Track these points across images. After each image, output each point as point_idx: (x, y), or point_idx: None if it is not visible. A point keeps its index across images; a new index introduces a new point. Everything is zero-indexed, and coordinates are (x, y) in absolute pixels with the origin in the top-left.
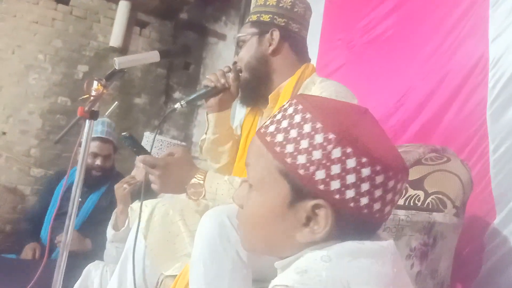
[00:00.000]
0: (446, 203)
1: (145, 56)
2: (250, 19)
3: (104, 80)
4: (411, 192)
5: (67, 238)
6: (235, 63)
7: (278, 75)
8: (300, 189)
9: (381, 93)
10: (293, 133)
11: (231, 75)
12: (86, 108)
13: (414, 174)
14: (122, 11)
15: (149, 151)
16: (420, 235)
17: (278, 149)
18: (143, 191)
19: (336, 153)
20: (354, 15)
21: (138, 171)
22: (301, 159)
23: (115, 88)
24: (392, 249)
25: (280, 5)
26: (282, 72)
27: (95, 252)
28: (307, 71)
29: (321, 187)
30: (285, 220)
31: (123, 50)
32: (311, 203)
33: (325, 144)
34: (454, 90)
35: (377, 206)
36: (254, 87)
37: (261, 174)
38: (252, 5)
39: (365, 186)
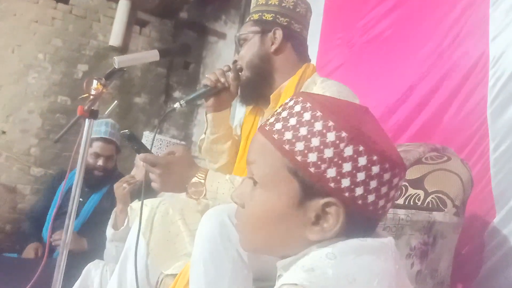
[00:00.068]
0: (446, 202)
1: (144, 55)
2: (252, 18)
3: (103, 79)
4: (411, 191)
5: (67, 237)
6: (235, 61)
7: (279, 74)
8: (310, 187)
9: (381, 92)
10: (303, 131)
11: (231, 74)
12: (86, 107)
13: (414, 173)
14: (122, 10)
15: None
16: (420, 234)
17: (287, 147)
18: (143, 190)
19: (348, 151)
20: (354, 15)
21: (138, 170)
22: (312, 157)
23: (115, 87)
24: (392, 245)
25: (283, 4)
26: (284, 71)
27: (96, 251)
28: (308, 71)
29: (332, 185)
30: (293, 219)
31: (123, 49)
32: (322, 201)
33: (337, 142)
34: (454, 89)
35: (381, 203)
36: (256, 85)
37: (268, 172)
38: (253, 4)
39: (373, 184)
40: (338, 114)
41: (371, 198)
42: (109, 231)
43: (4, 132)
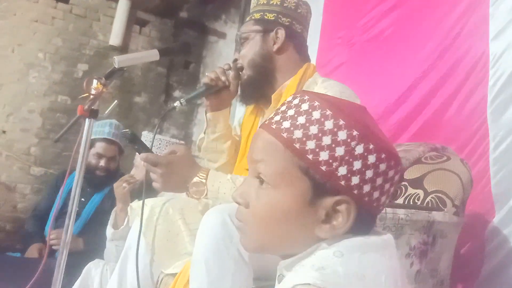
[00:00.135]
0: (446, 202)
1: (144, 54)
2: (253, 17)
3: (103, 79)
4: (410, 191)
5: (67, 237)
6: (235, 60)
7: (281, 74)
8: (321, 186)
9: (382, 91)
10: (313, 129)
11: (231, 73)
12: (86, 107)
13: (414, 172)
14: (122, 9)
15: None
16: (420, 234)
17: (297, 145)
18: (144, 190)
19: (359, 149)
20: (354, 14)
21: (137, 170)
22: (324, 155)
23: (115, 86)
24: (393, 243)
25: (285, 5)
26: (285, 71)
27: (98, 251)
28: (309, 71)
29: (343, 183)
30: (302, 217)
31: (123, 48)
32: (334, 199)
33: (349, 140)
34: (454, 88)
35: (383, 199)
36: (257, 85)
37: (279, 170)
38: (253, 4)
39: (379, 181)
40: (348, 113)
41: (376, 195)
42: (109, 231)
43: (4, 132)
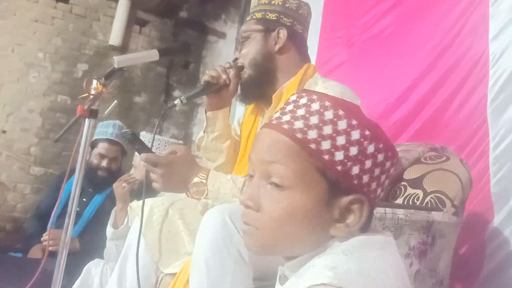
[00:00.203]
0: (445, 202)
1: (144, 55)
2: (254, 16)
3: (103, 79)
4: (410, 191)
5: (67, 237)
6: (235, 59)
7: (282, 73)
8: (337, 185)
9: (382, 91)
10: (327, 129)
11: (232, 71)
12: (86, 107)
13: (413, 173)
14: (121, 9)
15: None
16: (419, 234)
17: (313, 146)
18: (144, 190)
19: (371, 148)
20: (354, 13)
21: (137, 171)
22: (339, 155)
23: (115, 86)
24: (394, 241)
25: (286, 5)
26: (286, 71)
27: (99, 251)
28: (310, 71)
29: (355, 181)
30: (318, 218)
31: (123, 48)
32: (348, 198)
33: (361, 140)
34: (454, 88)
35: (382, 195)
36: (258, 84)
37: (296, 172)
38: (254, 3)
39: (382, 178)
40: (358, 113)
41: (379, 191)
42: (109, 230)
43: (4, 131)
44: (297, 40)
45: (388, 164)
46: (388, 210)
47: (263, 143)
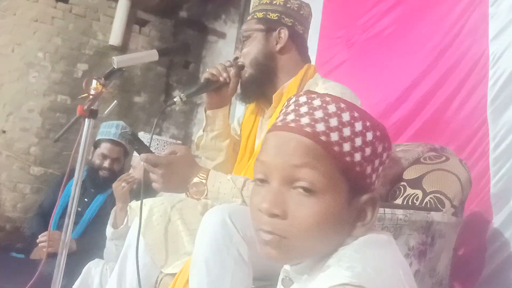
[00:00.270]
0: (445, 202)
1: (143, 55)
2: (255, 16)
3: (103, 79)
4: (409, 191)
5: (67, 237)
6: (236, 58)
7: (283, 73)
8: (356, 186)
9: (381, 91)
10: (346, 131)
11: (232, 70)
12: (85, 107)
13: (412, 173)
14: (121, 9)
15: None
16: (419, 234)
17: (336, 148)
18: (143, 190)
19: (380, 148)
20: (353, 13)
21: (136, 171)
22: (357, 156)
23: (115, 86)
24: (393, 239)
25: (288, 5)
26: (287, 71)
27: (91, 252)
28: (310, 71)
29: (368, 180)
30: (343, 220)
31: (122, 48)
32: (365, 197)
33: (374, 140)
34: (454, 88)
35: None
36: (259, 83)
37: (325, 175)
38: (255, 3)
39: (381, 175)
40: (368, 115)
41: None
42: (109, 230)
43: (4, 131)
44: (298, 41)
45: (387, 161)
46: (388, 210)
47: (287, 147)
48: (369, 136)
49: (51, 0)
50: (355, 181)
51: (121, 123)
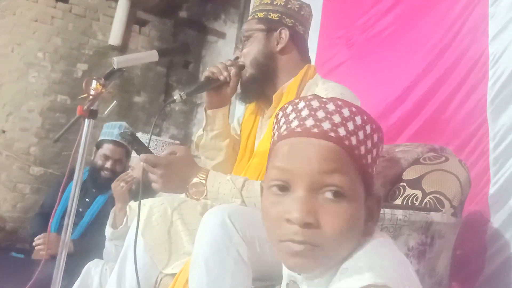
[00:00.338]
0: (444, 202)
1: (143, 55)
2: (256, 16)
3: (102, 79)
4: (409, 191)
5: (67, 237)
6: (236, 58)
7: (283, 74)
8: (368, 187)
9: (381, 91)
10: (361, 135)
11: (233, 69)
12: (85, 107)
13: (412, 173)
14: (121, 9)
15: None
16: (418, 234)
17: (356, 151)
18: (141, 191)
19: (380, 149)
20: (353, 13)
21: (135, 172)
22: (369, 158)
23: (115, 86)
24: (391, 239)
25: (288, 6)
26: (287, 71)
27: (89, 253)
28: (310, 72)
29: (373, 181)
30: (362, 221)
31: (122, 48)
32: (374, 197)
33: (378, 143)
34: (454, 87)
35: None
36: (259, 83)
37: (352, 179)
38: (256, 3)
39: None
40: (371, 117)
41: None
42: (108, 230)
43: (4, 131)
44: (298, 41)
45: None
46: (387, 210)
47: (317, 153)
48: (376, 138)
49: (50, 0)
50: (367, 182)
51: (124, 124)
